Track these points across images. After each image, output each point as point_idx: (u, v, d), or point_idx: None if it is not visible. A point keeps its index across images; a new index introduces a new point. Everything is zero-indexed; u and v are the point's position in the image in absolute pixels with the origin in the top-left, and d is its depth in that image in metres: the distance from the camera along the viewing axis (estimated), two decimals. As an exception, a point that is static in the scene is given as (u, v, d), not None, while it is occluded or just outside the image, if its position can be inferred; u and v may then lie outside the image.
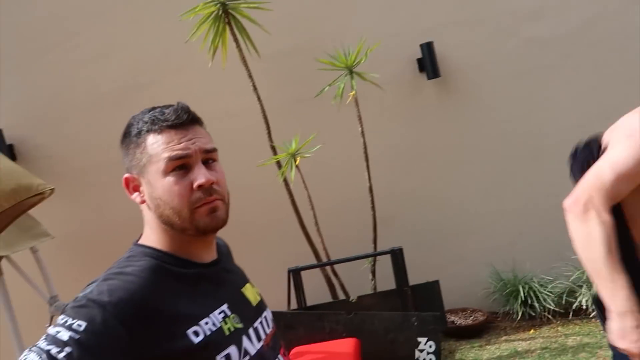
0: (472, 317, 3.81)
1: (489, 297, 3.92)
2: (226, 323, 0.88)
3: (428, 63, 3.99)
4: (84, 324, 0.74)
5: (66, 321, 0.75)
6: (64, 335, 0.73)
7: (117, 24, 3.75)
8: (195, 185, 0.88)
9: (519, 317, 3.68)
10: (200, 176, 0.88)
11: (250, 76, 3.51)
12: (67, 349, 0.71)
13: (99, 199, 3.60)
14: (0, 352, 2.71)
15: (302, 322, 3.23)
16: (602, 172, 1.15)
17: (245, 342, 0.90)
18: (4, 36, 3.50)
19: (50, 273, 2.91)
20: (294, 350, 2.94)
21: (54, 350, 0.71)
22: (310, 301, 3.47)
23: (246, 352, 0.89)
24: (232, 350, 0.86)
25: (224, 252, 1.07)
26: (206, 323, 0.85)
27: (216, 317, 0.88)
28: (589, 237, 1.12)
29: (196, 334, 0.83)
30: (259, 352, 0.92)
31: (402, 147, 4.12)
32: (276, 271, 3.42)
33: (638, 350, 1.08)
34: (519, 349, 3.37)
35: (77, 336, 0.72)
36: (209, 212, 0.89)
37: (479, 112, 4.19)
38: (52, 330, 0.76)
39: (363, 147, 3.64)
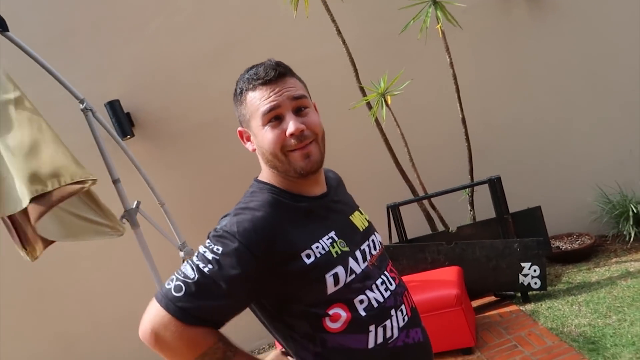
0: (578, 242, 3.74)
1: (597, 220, 3.80)
2: (334, 247, 1.02)
3: (519, -21, 3.75)
4: (221, 249, 0.95)
5: (209, 245, 0.97)
6: (209, 255, 0.95)
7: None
8: (287, 134, 1.01)
9: (631, 239, 3.56)
10: (290, 125, 1.01)
11: (333, 20, 3.55)
12: (210, 266, 0.94)
13: (210, 153, 3.93)
14: (143, 292, 3.18)
15: (404, 254, 3.40)
16: None
17: (352, 262, 1.03)
18: (110, 14, 3.83)
19: (177, 223, 3.31)
20: (399, 279, 3.13)
21: (201, 265, 0.95)
22: (410, 235, 3.61)
23: (352, 271, 1.02)
24: (339, 269, 1.00)
25: (333, 184, 1.20)
26: (317, 247, 1.00)
27: (325, 242, 1.02)
28: None
29: (308, 256, 0.98)
30: (364, 270, 1.05)
31: (494, 73, 3.98)
32: (376, 208, 3.57)
33: None
34: (631, 270, 3.28)
35: (217, 257, 0.94)
36: (303, 158, 1.02)
37: (578, 27, 3.89)
38: (201, 249, 0.98)
39: (453, 78, 3.59)
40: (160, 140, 3.94)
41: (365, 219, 1.20)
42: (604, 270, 3.41)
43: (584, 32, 3.88)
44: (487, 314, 3.24)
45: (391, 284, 1.10)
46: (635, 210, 3.54)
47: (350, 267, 1.02)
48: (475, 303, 3.39)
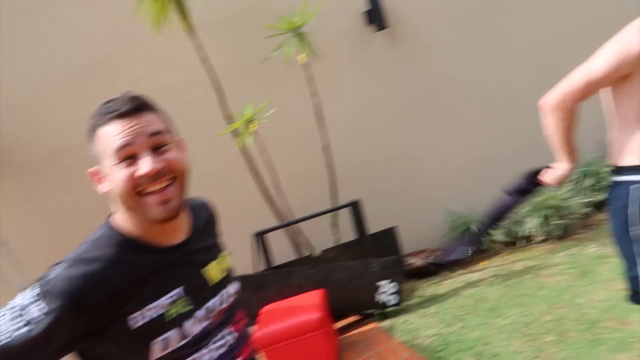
0: (431, 257, 4.11)
1: (445, 237, 4.22)
2: (173, 307, 0.97)
3: (376, 14, 4.07)
4: (46, 308, 0.86)
5: (34, 300, 0.87)
6: (31, 312, 0.86)
7: (62, 4, 3.66)
8: (136, 176, 0.92)
9: (473, 252, 4.00)
10: (143, 165, 0.92)
11: (199, 47, 3.54)
12: (30, 327, 0.85)
13: (62, 186, 3.64)
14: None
15: (271, 282, 3.44)
16: (575, 78, 1.45)
17: (188, 324, 0.99)
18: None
19: (23, 264, 3.03)
20: (264, 309, 3.16)
21: (19, 323, 0.85)
22: (278, 261, 3.69)
23: (186, 335, 0.98)
24: (172, 333, 0.96)
25: (199, 225, 1.11)
26: (151, 308, 0.94)
27: (164, 302, 0.96)
28: (550, 128, 1.54)
29: (137, 320, 0.92)
30: (204, 329, 1.01)
31: (355, 102, 4.24)
32: (243, 237, 3.60)
33: (553, 182, 1.65)
34: (472, 280, 3.70)
35: (37, 316, 0.85)
36: (160, 203, 0.94)
37: (429, 61, 4.30)
38: (24, 300, 0.88)
39: (314, 108, 3.76)
40: (4, 172, 3.58)
41: (225, 267, 1.16)
42: (450, 282, 3.79)
43: (432, 65, 4.30)
44: (350, 333, 3.40)
45: (230, 339, 1.08)
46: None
47: (185, 331, 0.99)
48: (340, 323, 3.55)
